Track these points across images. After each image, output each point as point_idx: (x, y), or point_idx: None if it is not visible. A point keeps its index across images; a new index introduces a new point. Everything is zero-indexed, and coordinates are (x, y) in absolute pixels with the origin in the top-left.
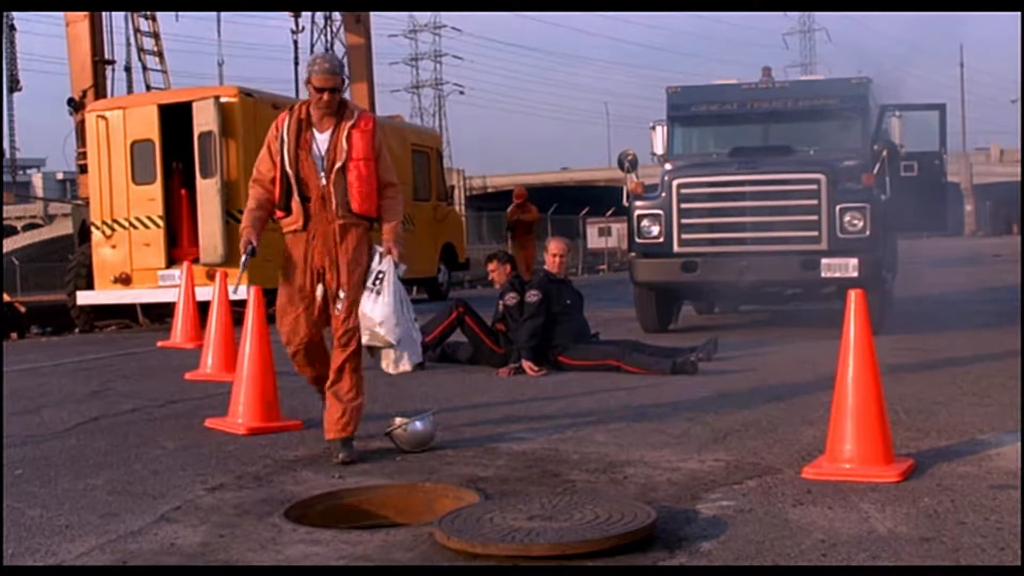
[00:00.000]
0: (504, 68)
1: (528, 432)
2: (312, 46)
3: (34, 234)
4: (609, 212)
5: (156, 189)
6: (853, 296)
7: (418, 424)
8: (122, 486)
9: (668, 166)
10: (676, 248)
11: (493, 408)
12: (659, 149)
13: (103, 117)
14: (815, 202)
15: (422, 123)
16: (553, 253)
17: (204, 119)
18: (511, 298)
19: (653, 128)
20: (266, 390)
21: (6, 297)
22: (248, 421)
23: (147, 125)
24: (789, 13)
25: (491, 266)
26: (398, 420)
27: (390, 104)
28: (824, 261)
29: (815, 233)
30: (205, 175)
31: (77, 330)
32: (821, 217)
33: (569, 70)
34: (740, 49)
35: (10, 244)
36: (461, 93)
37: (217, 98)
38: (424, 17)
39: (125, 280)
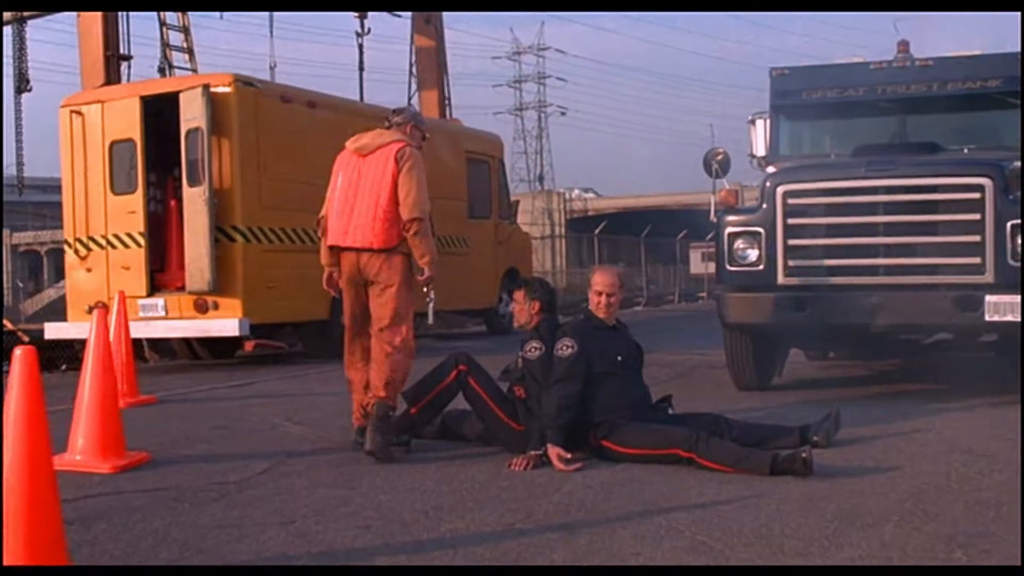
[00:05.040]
0: (608, 90)
1: None
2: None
3: None
4: (710, 236)
5: (137, 200)
6: None
7: None
8: None
9: (771, 169)
10: (781, 279)
11: (479, 545)
12: (760, 149)
13: (78, 112)
14: (978, 217)
15: (525, 145)
16: (598, 290)
17: (191, 113)
18: (533, 350)
19: (752, 122)
20: None
21: (9, 325)
22: None
23: (128, 122)
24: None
25: (516, 296)
26: None
27: (493, 126)
28: (989, 299)
29: (977, 260)
30: (192, 182)
31: (64, 367)
32: (986, 238)
33: (674, 92)
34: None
35: None
36: (562, 114)
37: (206, 87)
38: (527, 39)
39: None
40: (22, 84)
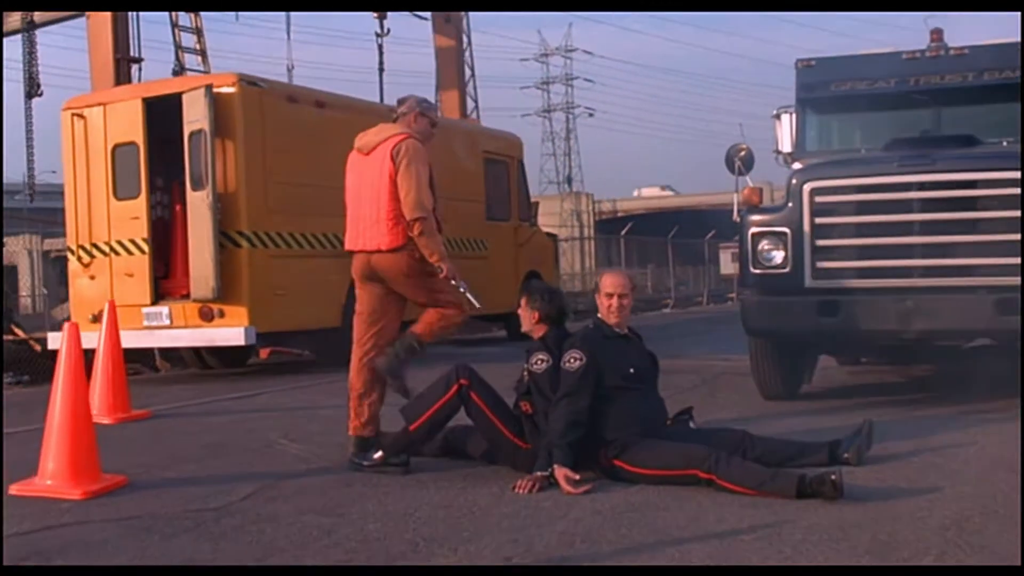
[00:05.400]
0: (636, 91)
1: None
2: None
3: None
4: (736, 237)
5: (141, 205)
6: None
7: None
8: None
9: (797, 166)
10: (809, 282)
11: None
12: (786, 145)
13: (80, 115)
14: (1017, 214)
15: (554, 147)
16: (608, 292)
17: (194, 115)
18: (539, 362)
19: (777, 117)
20: None
21: (20, 333)
22: None
23: (130, 124)
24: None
25: (521, 302)
26: None
27: (521, 128)
28: None
29: (1018, 260)
30: (195, 187)
31: None
32: None
33: (702, 92)
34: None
35: None
36: (590, 115)
37: (209, 88)
38: (555, 40)
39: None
40: (32, 88)
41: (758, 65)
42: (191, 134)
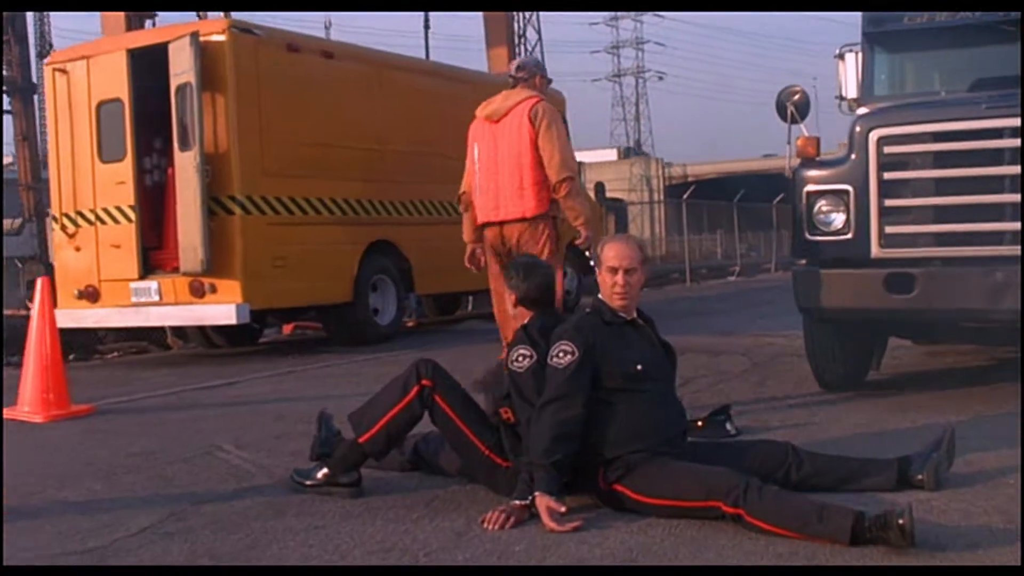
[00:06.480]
0: (709, 54)
1: None
2: None
3: None
4: (778, 200)
5: (127, 168)
6: None
7: None
8: None
9: (864, 110)
10: (876, 251)
11: None
12: (851, 90)
13: (62, 70)
14: None
15: (624, 112)
16: (612, 265)
17: (180, 66)
18: (521, 359)
19: (840, 57)
20: None
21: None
22: None
23: (115, 79)
24: None
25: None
26: None
27: (591, 93)
28: None
29: None
30: (183, 147)
31: (72, 356)
32: None
33: (780, 56)
34: None
35: None
36: (660, 79)
37: (195, 35)
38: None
39: (91, 295)
40: (44, 48)
41: (837, 26)
42: (177, 88)
